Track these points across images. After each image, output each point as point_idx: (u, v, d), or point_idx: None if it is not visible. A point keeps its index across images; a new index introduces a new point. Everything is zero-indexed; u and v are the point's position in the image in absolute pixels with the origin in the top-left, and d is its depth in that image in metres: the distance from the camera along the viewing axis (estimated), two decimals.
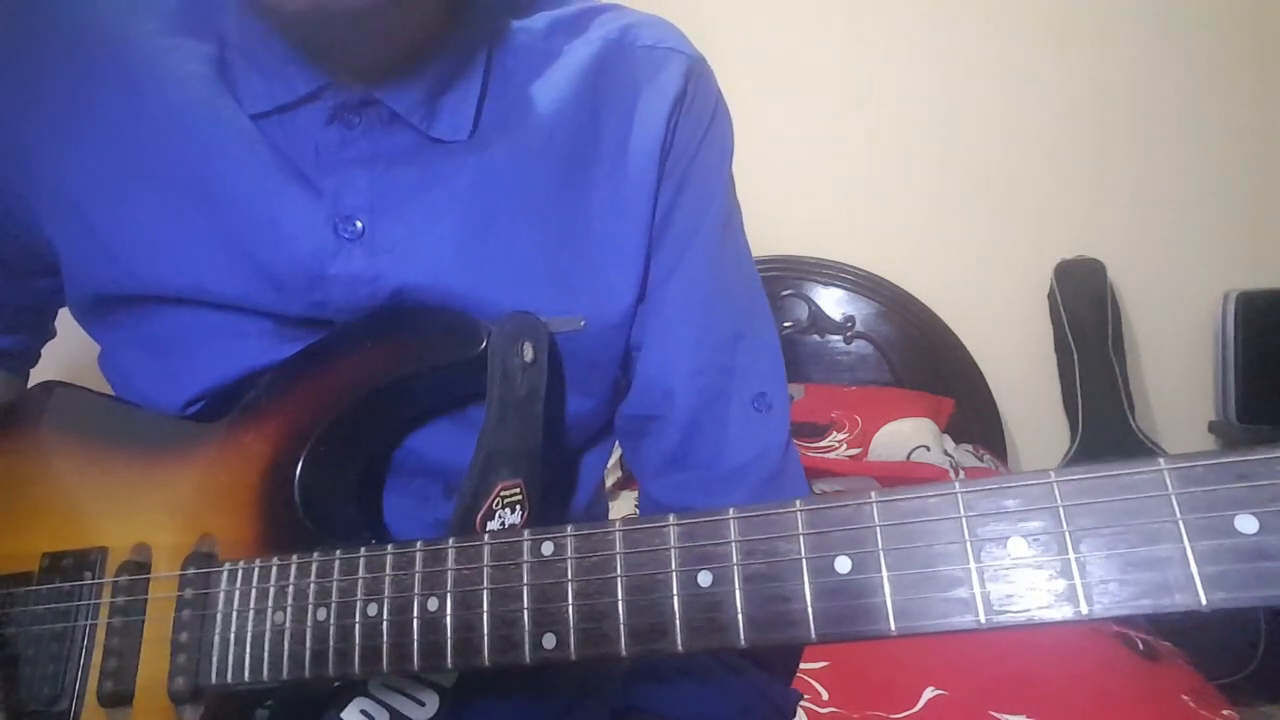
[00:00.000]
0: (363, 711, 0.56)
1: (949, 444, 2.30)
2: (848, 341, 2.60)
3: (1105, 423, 2.43)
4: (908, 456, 2.20)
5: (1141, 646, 1.50)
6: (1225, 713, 1.30)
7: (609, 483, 1.94)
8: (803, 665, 1.35)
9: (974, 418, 2.50)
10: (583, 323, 0.64)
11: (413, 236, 0.62)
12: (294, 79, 0.61)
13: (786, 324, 2.60)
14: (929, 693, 1.29)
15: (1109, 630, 1.53)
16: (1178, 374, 2.54)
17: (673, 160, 0.68)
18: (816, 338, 2.60)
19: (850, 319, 2.59)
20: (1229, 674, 2.12)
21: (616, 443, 0.77)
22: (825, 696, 1.30)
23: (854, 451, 2.28)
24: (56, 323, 0.82)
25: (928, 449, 2.21)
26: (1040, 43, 2.55)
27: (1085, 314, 2.46)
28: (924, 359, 2.56)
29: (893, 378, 2.57)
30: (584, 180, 0.66)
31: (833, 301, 2.61)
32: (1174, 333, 2.54)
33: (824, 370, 2.59)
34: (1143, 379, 2.56)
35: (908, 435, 2.25)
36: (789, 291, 2.61)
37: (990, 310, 2.58)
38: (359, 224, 0.61)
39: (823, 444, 2.31)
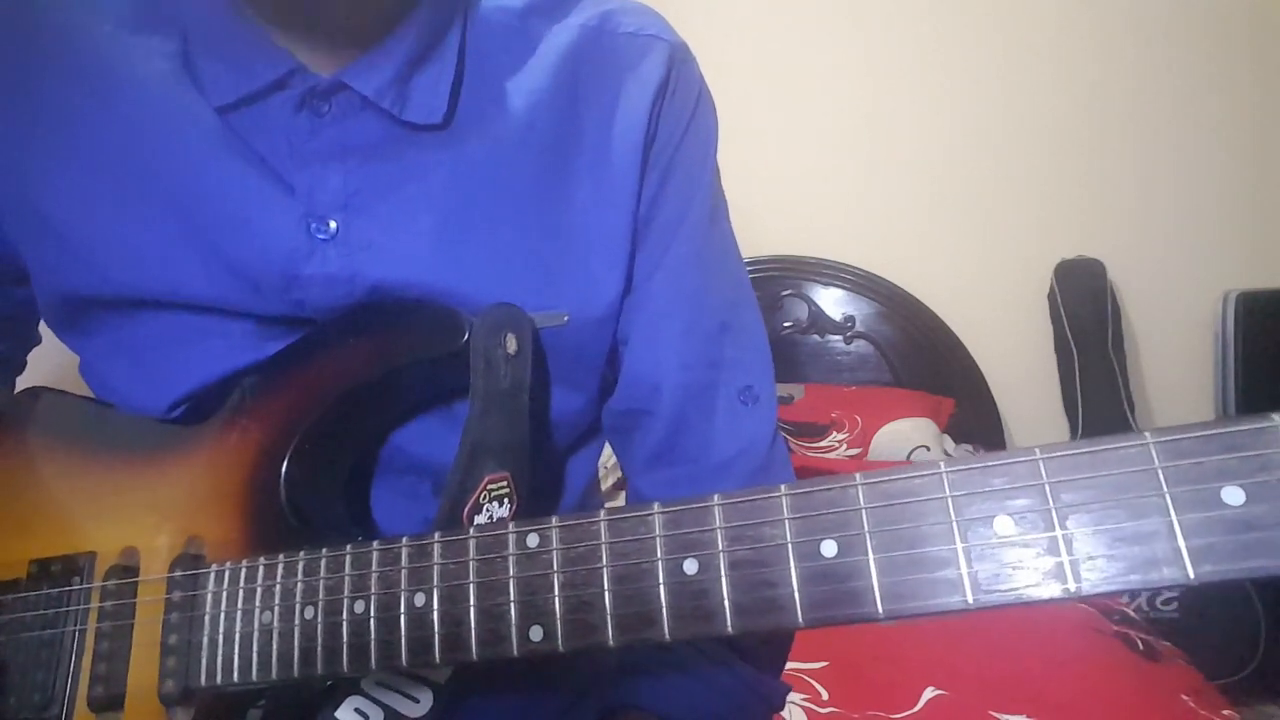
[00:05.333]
0: (357, 710, 0.56)
1: (949, 444, 2.30)
2: (848, 341, 2.60)
3: (1105, 423, 2.43)
4: (908, 456, 2.20)
5: (1141, 646, 1.50)
6: (1225, 713, 1.30)
7: (609, 482, 1.93)
8: (803, 665, 1.35)
9: (974, 418, 2.50)
10: (566, 318, 0.63)
11: (388, 234, 0.61)
12: (259, 66, 0.59)
13: (786, 324, 2.60)
14: (929, 693, 1.30)
15: (1109, 630, 1.53)
16: (1178, 374, 2.54)
17: (656, 150, 0.67)
18: (816, 338, 2.61)
19: (850, 319, 2.59)
20: (1229, 674, 2.12)
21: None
22: (825, 696, 1.30)
23: (854, 451, 2.29)
24: (42, 329, 0.82)
25: (928, 449, 2.21)
26: (1040, 43, 2.56)
27: (1085, 314, 2.45)
28: (924, 359, 2.56)
29: (893, 378, 2.57)
30: (565, 172, 0.65)
31: (833, 301, 2.61)
32: (1174, 333, 2.54)
33: (824, 370, 2.59)
34: (1143, 379, 2.56)
35: (908, 435, 2.25)
36: (789, 291, 2.62)
37: (990, 310, 2.58)
38: (332, 224, 0.60)
39: (823, 444, 2.31)
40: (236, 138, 0.61)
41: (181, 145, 0.61)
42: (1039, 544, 0.35)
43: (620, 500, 1.95)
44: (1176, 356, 2.54)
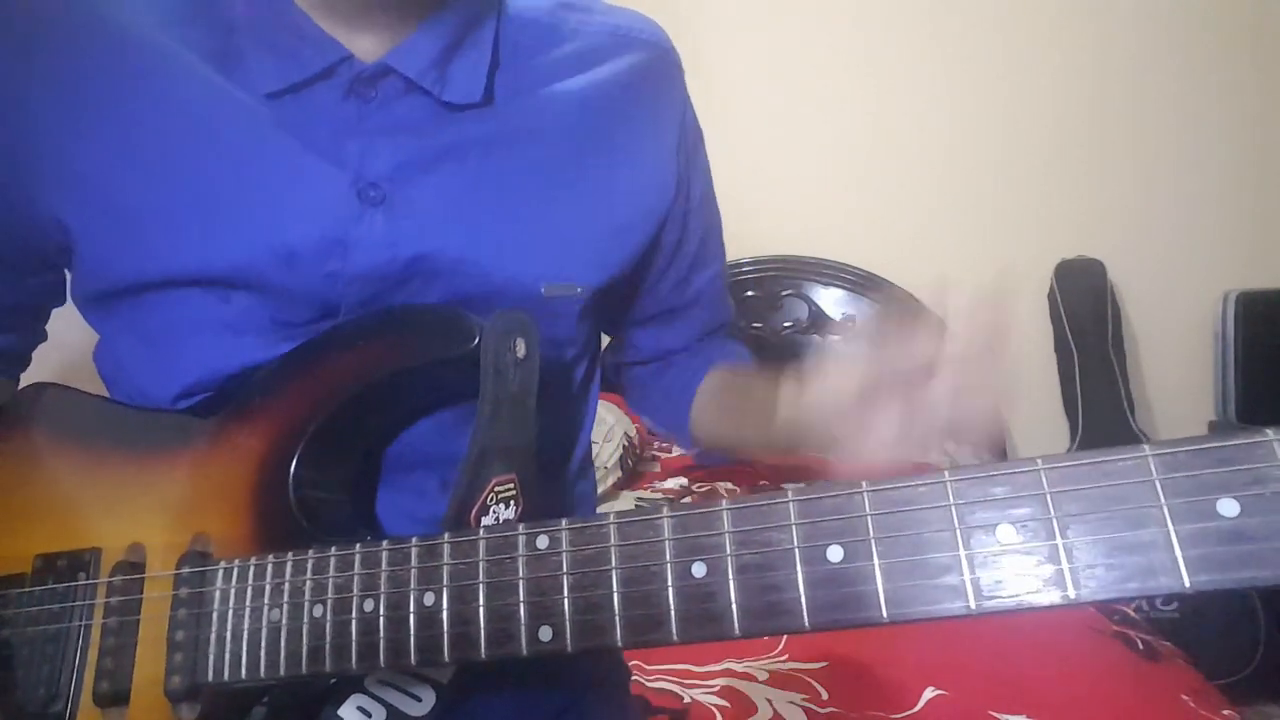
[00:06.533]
0: (360, 708, 0.56)
1: (949, 444, 2.30)
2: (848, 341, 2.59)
3: (1105, 423, 2.43)
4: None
5: (1141, 646, 1.50)
6: (1225, 713, 1.30)
7: (609, 483, 1.94)
8: (803, 665, 1.35)
9: None
10: (579, 289, 0.68)
11: (431, 205, 0.64)
12: (307, 56, 0.62)
13: (786, 324, 2.60)
14: (929, 693, 1.29)
15: (1109, 630, 1.53)
16: (1178, 374, 2.54)
17: (688, 145, 0.78)
18: (816, 338, 2.60)
19: (850, 319, 2.59)
20: (1229, 674, 2.12)
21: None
22: (825, 696, 1.30)
23: None
24: (48, 326, 0.82)
25: None
26: (1041, 43, 2.55)
27: (1085, 314, 2.45)
28: None
29: None
30: (599, 155, 0.70)
31: (833, 301, 2.61)
32: (1174, 333, 2.53)
33: None
34: (1143, 379, 2.56)
35: None
36: (789, 291, 2.61)
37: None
38: (382, 189, 0.63)
39: None
40: (282, 122, 0.63)
41: (226, 131, 0.63)
42: (1040, 552, 0.36)
43: (621, 501, 1.96)
44: (1176, 356, 2.53)
